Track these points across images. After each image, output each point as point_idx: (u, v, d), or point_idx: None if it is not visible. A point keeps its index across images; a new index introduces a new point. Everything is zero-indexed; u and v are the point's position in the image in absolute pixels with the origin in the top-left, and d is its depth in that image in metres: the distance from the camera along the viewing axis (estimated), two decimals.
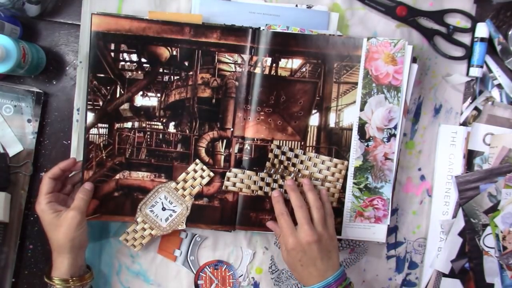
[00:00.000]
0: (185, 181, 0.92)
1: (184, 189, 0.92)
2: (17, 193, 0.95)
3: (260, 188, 0.92)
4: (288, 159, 0.92)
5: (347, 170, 0.92)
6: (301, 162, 0.92)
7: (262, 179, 0.92)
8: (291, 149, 0.92)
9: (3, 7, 0.87)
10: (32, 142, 0.95)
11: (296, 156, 0.92)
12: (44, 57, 0.94)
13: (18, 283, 0.97)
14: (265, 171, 0.92)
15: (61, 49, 0.96)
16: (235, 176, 0.92)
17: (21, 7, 0.89)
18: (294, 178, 0.92)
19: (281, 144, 0.92)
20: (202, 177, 0.92)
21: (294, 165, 0.92)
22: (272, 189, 0.92)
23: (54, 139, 0.97)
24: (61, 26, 0.96)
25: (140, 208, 0.92)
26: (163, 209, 0.92)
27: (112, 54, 0.90)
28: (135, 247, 0.93)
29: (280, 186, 0.92)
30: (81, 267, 0.88)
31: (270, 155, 0.92)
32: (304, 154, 0.92)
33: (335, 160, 0.92)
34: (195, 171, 0.92)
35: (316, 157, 0.92)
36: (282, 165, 0.92)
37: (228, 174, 0.92)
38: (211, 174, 0.92)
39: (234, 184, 0.92)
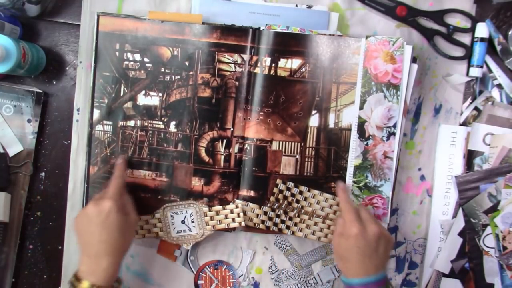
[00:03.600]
0: (217, 213, 0.92)
1: (212, 219, 0.93)
2: (17, 193, 0.95)
3: (262, 222, 0.92)
4: (293, 195, 0.92)
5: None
6: (305, 199, 0.92)
7: (265, 213, 0.92)
8: (296, 186, 0.92)
9: (3, 7, 0.87)
10: (32, 142, 0.95)
11: (301, 192, 0.92)
12: (44, 57, 0.94)
13: (18, 283, 0.97)
14: (268, 205, 0.92)
15: (61, 49, 0.96)
16: (240, 207, 0.92)
17: (21, 7, 0.89)
18: (297, 214, 0.92)
19: (286, 182, 0.92)
20: (234, 220, 0.92)
21: (298, 201, 0.92)
22: (274, 224, 0.92)
23: (54, 139, 0.97)
24: (61, 26, 0.96)
25: (165, 208, 0.92)
26: (183, 222, 0.92)
27: (117, 53, 0.91)
28: (137, 233, 0.93)
29: (283, 222, 0.92)
30: (116, 275, 0.83)
31: (275, 190, 0.92)
32: (309, 191, 0.92)
33: (338, 199, 0.92)
34: (232, 211, 0.92)
35: (320, 195, 0.92)
36: (286, 201, 0.93)
37: (230, 206, 0.92)
38: (243, 223, 0.92)
39: (238, 215, 0.92)
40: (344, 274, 0.84)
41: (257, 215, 0.92)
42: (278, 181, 0.92)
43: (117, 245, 0.81)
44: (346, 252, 0.83)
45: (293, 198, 0.92)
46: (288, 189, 0.92)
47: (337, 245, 0.85)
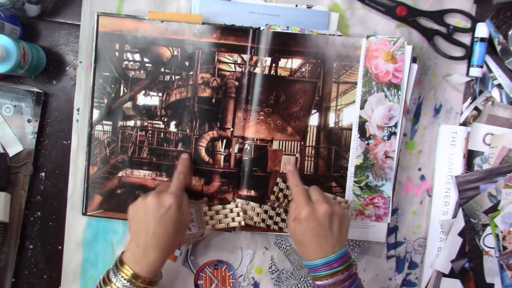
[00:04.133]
0: (217, 212, 0.92)
1: (211, 218, 0.93)
2: (17, 193, 0.95)
3: (263, 220, 0.92)
4: (290, 200, 0.92)
5: (349, 208, 0.93)
6: None
7: (266, 211, 0.92)
8: None
9: (3, 7, 0.87)
10: (32, 142, 0.95)
11: None
12: (44, 57, 0.94)
13: (18, 283, 0.97)
14: (269, 204, 0.92)
15: (61, 49, 0.96)
16: (240, 206, 0.92)
17: (21, 7, 0.89)
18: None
19: (286, 180, 0.92)
20: (233, 219, 0.92)
21: None
22: (275, 222, 0.92)
23: (54, 139, 0.97)
24: (61, 26, 0.96)
25: None
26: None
27: (117, 53, 0.91)
28: None
29: (283, 220, 0.92)
30: (159, 270, 0.83)
31: (275, 189, 0.92)
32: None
33: (339, 199, 0.93)
34: (231, 211, 0.92)
35: None
36: (286, 199, 0.92)
37: (230, 205, 0.92)
38: (243, 223, 0.92)
39: (238, 214, 0.92)
40: (304, 258, 0.83)
41: (258, 213, 0.92)
42: (278, 179, 0.92)
43: (169, 241, 0.80)
44: (301, 236, 0.82)
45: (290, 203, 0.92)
46: (288, 187, 0.92)
47: (292, 231, 0.83)
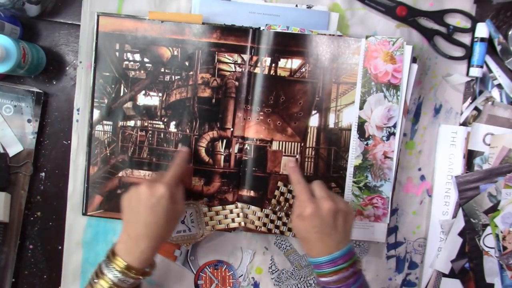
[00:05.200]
0: (217, 213, 0.93)
1: (211, 219, 0.93)
2: (17, 193, 0.95)
3: (264, 224, 0.92)
4: (294, 197, 0.92)
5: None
6: None
7: (267, 215, 0.92)
8: None
9: (3, 7, 0.87)
10: (32, 142, 0.95)
11: None
12: (44, 57, 0.94)
13: (18, 283, 0.97)
14: (270, 207, 0.92)
15: (61, 49, 0.96)
16: (241, 209, 0.92)
17: (21, 7, 0.89)
18: None
19: (287, 184, 0.92)
20: (233, 220, 0.92)
21: None
22: (276, 226, 0.92)
23: (54, 139, 0.97)
24: (61, 26, 0.96)
25: None
26: (182, 222, 0.92)
27: (117, 53, 0.91)
28: None
29: (284, 224, 0.92)
30: (151, 260, 0.82)
31: (276, 193, 0.92)
32: None
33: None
34: (231, 212, 0.92)
35: None
36: (287, 203, 0.92)
37: (230, 206, 0.93)
38: (242, 224, 0.92)
39: (238, 215, 0.92)
40: (308, 255, 0.82)
41: (259, 217, 0.92)
42: (279, 183, 0.92)
43: (160, 231, 0.80)
44: (305, 233, 0.81)
45: (294, 200, 0.92)
46: (289, 191, 0.92)
47: (296, 228, 0.83)
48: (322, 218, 0.80)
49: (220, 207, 0.92)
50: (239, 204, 0.92)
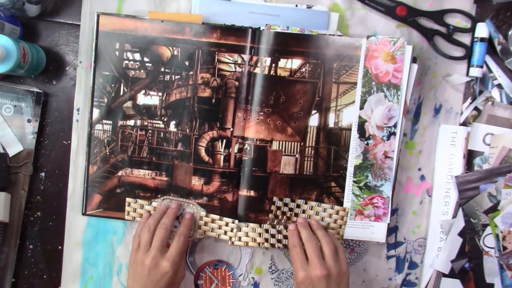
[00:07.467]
0: (213, 221, 0.93)
1: (206, 224, 0.93)
2: (17, 193, 0.95)
3: (266, 240, 0.93)
4: (291, 209, 0.92)
5: (347, 215, 0.93)
6: (303, 211, 0.93)
7: (267, 230, 0.92)
8: (292, 200, 0.92)
9: (3, 7, 0.87)
10: (32, 142, 0.95)
11: (298, 206, 0.93)
12: (44, 57, 0.94)
13: (18, 283, 0.97)
14: (268, 222, 0.92)
15: (61, 49, 0.96)
16: (237, 227, 0.93)
17: (21, 7, 0.89)
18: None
19: (283, 198, 0.93)
20: (225, 232, 0.93)
21: (296, 215, 0.93)
22: (278, 240, 0.92)
23: (54, 139, 0.97)
24: (61, 26, 0.96)
25: (164, 199, 0.92)
26: (177, 218, 0.92)
27: (117, 53, 0.91)
28: (128, 214, 0.93)
29: (285, 237, 0.92)
30: None
31: (273, 207, 0.92)
32: (306, 203, 0.92)
33: (337, 207, 0.93)
34: (227, 224, 0.93)
35: (318, 206, 0.92)
36: (285, 216, 0.93)
37: (227, 219, 0.93)
38: (233, 240, 0.93)
39: (239, 239, 0.93)
40: None
41: (260, 234, 0.92)
42: (275, 198, 0.92)
43: None
44: None
45: (291, 212, 0.93)
46: (285, 204, 0.92)
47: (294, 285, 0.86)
48: (313, 285, 0.82)
49: (217, 217, 0.92)
50: (236, 221, 0.92)
